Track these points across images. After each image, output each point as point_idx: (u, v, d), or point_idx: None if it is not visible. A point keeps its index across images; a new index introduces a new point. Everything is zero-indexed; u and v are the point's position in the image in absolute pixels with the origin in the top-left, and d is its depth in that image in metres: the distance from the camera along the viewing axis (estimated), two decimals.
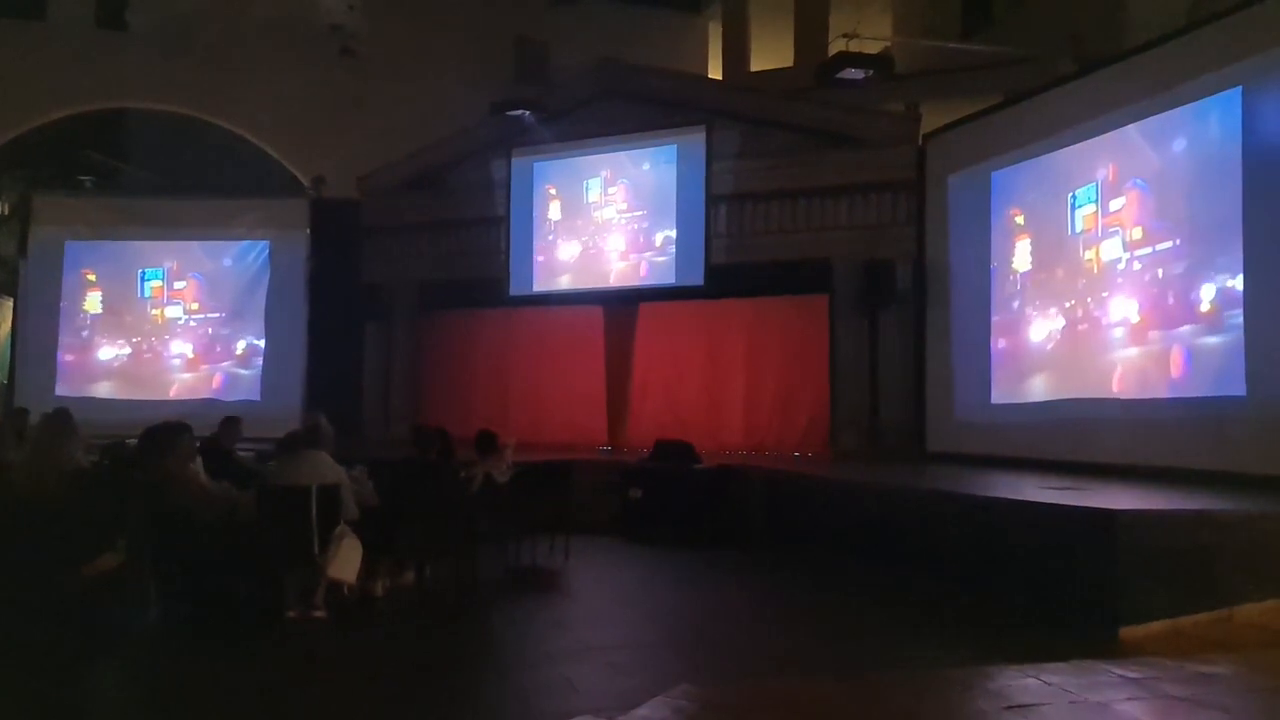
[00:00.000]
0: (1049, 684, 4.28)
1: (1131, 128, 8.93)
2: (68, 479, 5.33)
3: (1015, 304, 10.33)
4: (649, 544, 9.09)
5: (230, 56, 16.10)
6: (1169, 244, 8.51)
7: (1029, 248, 10.18)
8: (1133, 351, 8.85)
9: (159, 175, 15.15)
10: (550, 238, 13.40)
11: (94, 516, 5.13)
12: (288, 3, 15.86)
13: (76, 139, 14.99)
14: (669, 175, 12.64)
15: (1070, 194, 9.62)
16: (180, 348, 14.56)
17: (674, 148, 12.63)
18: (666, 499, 9.58)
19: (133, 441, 6.33)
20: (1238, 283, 7.77)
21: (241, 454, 8.13)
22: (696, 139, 12.45)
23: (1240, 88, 7.86)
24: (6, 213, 16.20)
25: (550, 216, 13.43)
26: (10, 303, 15.06)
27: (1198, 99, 8.26)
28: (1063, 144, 9.69)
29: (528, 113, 12.83)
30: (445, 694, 4.67)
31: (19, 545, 4.83)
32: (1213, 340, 8.04)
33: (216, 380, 14.42)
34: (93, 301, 14.66)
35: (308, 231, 14.32)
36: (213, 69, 15.94)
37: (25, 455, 5.98)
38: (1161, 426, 8.38)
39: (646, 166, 12.85)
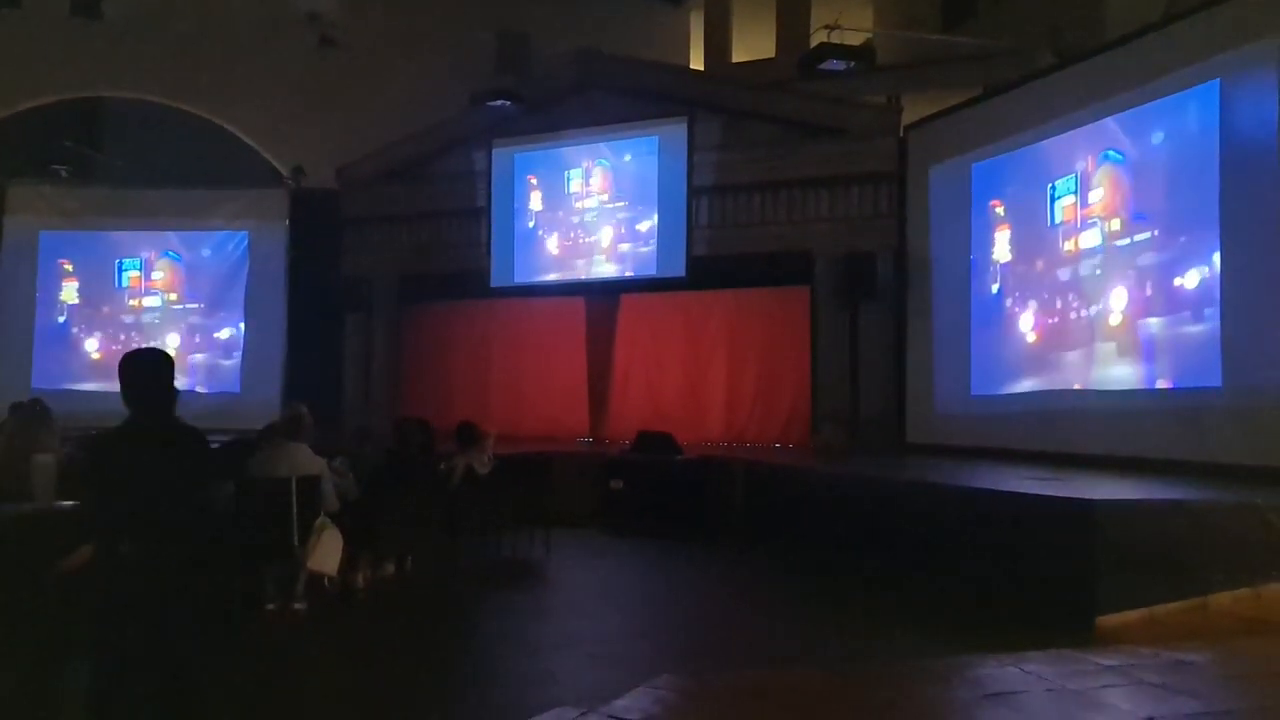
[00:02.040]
0: (1027, 673, 4.32)
1: (1111, 120, 8.98)
2: (42, 470, 5.27)
3: (995, 296, 10.39)
4: (630, 535, 9.10)
5: (207, 45, 15.93)
6: (1147, 235, 8.57)
7: (1009, 239, 10.24)
8: (1110, 342, 8.93)
9: (136, 165, 14.97)
10: (531, 229, 13.36)
11: (70, 509, 5.08)
12: None
13: (51, 128, 14.80)
14: (650, 166, 12.62)
15: (1050, 184, 9.67)
16: (158, 339, 14.43)
17: (655, 139, 12.61)
18: (648, 490, 9.58)
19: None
20: (1214, 274, 7.84)
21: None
22: (678, 130, 12.43)
23: (1219, 81, 7.92)
24: None
25: (531, 208, 13.38)
26: None
27: (1176, 92, 8.31)
28: (1043, 136, 9.74)
29: (508, 103, 12.78)
30: (426, 686, 4.66)
31: None
32: (1189, 332, 8.11)
33: (195, 372, 14.32)
34: (69, 291, 14.53)
35: (287, 222, 14.22)
36: (190, 58, 15.76)
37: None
38: (1138, 417, 8.45)
39: (628, 157, 12.82)
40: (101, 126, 16.75)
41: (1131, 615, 5.42)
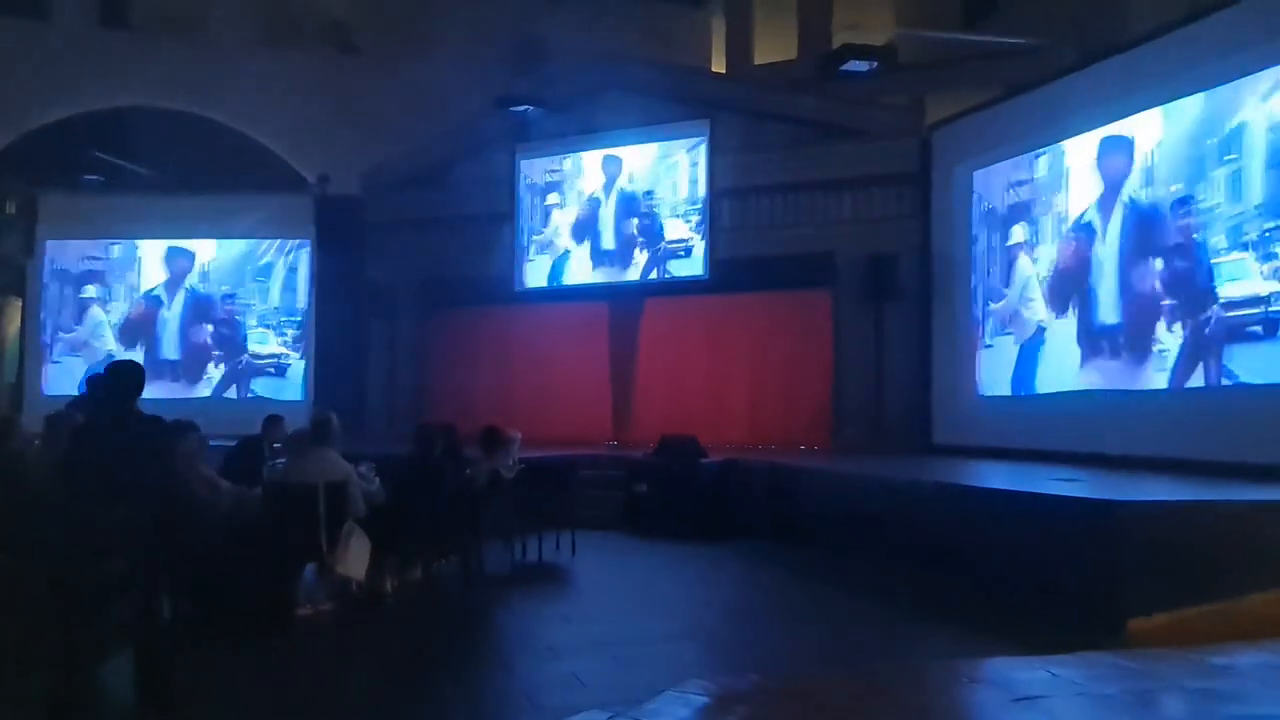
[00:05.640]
0: (1056, 676, 4.29)
1: (1138, 116, 8.89)
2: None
3: (1020, 295, 10.31)
4: (655, 538, 9.10)
5: (233, 54, 16.11)
6: (1178, 235, 8.48)
7: (1035, 237, 10.16)
8: (1140, 343, 8.82)
9: (164, 174, 15.17)
10: (554, 233, 13.40)
11: (105, 516, 5.14)
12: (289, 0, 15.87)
13: (81, 138, 15.02)
14: (672, 169, 12.64)
15: (1077, 183, 9.60)
16: (186, 346, 14.61)
17: (677, 142, 12.63)
18: (672, 493, 9.58)
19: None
20: (1246, 275, 7.75)
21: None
22: (700, 133, 12.45)
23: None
24: (12, 213, 16.23)
25: (554, 212, 13.43)
26: (19, 303, 15.11)
27: (1206, 88, 8.22)
28: (1067, 134, 9.66)
29: (531, 107, 12.82)
30: (453, 690, 4.69)
31: (32, 542, 4.85)
32: (1222, 330, 8.02)
33: (222, 378, 14.47)
34: (100, 300, 14.72)
35: (313, 229, 14.35)
36: (216, 67, 15.95)
37: (39, 455, 6.00)
38: (1166, 417, 8.36)
39: (650, 160, 12.84)
40: (130, 136, 16.98)
41: (1162, 618, 5.36)
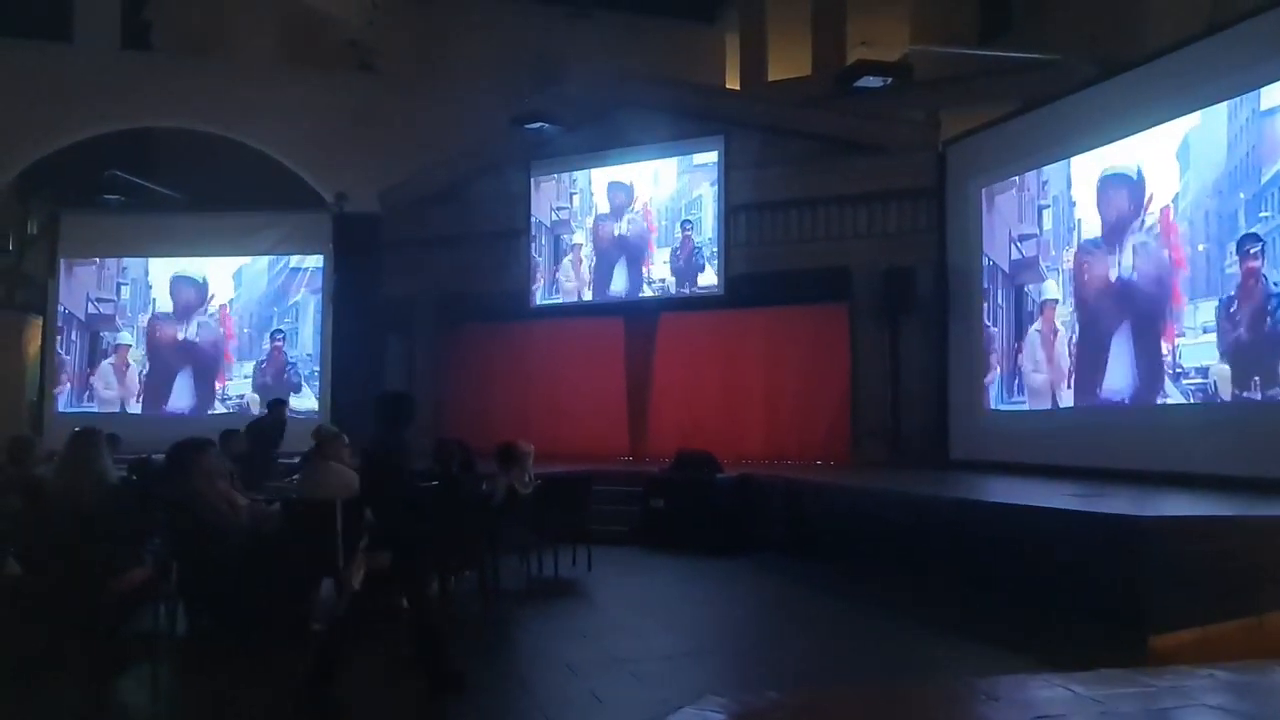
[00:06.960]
0: (1077, 693, 4.23)
1: (1156, 130, 8.86)
2: (99, 495, 5.37)
3: (1039, 309, 10.26)
4: (671, 554, 9.07)
5: (253, 75, 16.29)
6: (1200, 247, 8.42)
7: (1053, 253, 10.12)
8: (1160, 357, 8.76)
9: (184, 193, 15.34)
10: (570, 249, 13.45)
11: (123, 531, 5.18)
12: (307, 19, 16.04)
13: (103, 159, 15.20)
14: (687, 185, 12.69)
15: (1094, 198, 9.56)
16: (208, 363, 14.71)
17: (692, 158, 12.67)
18: (689, 509, 9.56)
19: (160, 458, 6.38)
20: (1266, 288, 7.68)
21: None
22: (714, 149, 12.48)
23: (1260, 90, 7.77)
24: (35, 232, 16.43)
25: (569, 228, 13.49)
26: (39, 321, 15.27)
27: (1221, 101, 8.18)
28: (1085, 148, 9.63)
29: (546, 125, 12.90)
30: (469, 707, 4.67)
31: (52, 559, 4.88)
32: (1243, 345, 7.94)
33: (243, 394, 14.56)
34: (120, 319, 14.85)
35: (330, 246, 14.46)
36: (235, 87, 16.13)
37: (57, 471, 6.03)
38: (1188, 432, 8.28)
39: (665, 177, 12.88)
40: (151, 156, 17.18)
41: (1185, 635, 5.30)
